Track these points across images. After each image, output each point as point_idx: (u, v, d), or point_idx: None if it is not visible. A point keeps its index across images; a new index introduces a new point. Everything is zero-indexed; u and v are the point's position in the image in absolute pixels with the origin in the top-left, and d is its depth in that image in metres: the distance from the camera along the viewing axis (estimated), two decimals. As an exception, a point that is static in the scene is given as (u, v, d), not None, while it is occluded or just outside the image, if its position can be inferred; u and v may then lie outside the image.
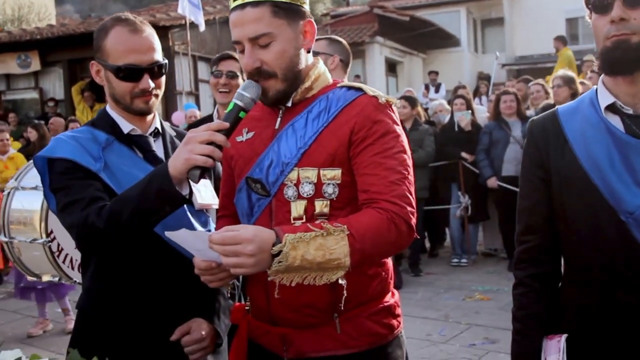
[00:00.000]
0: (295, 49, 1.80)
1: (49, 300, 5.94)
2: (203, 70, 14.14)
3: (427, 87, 16.09)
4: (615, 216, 1.61)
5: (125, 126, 2.08)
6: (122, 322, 2.00)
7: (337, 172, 1.76)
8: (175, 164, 1.72)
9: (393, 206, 1.69)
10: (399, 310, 1.93)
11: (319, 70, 1.89)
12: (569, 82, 6.66)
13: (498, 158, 7.33)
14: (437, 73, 16.53)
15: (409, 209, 1.71)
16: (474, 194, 7.70)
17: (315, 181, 1.75)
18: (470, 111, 7.69)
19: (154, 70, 2.02)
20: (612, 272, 1.64)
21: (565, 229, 1.74)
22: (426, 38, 20.50)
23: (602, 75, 1.71)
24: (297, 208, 1.76)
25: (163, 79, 2.07)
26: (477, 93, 14.17)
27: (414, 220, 1.72)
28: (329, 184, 1.75)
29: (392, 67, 20.60)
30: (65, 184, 1.92)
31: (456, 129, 7.66)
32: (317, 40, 3.60)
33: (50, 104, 13.12)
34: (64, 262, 3.84)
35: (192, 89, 13.72)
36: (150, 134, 2.12)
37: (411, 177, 1.77)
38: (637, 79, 1.62)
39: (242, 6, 1.75)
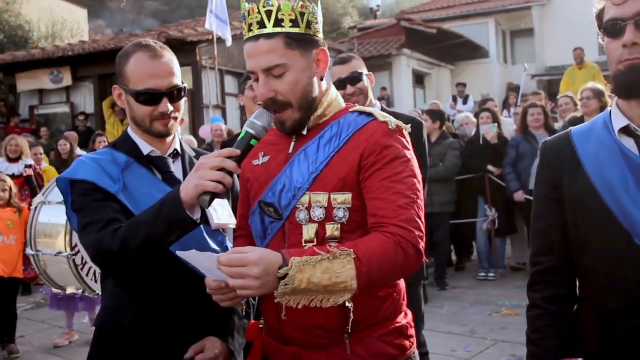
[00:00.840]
0: (308, 78, 1.83)
1: (79, 310, 6.03)
2: (230, 84, 14.29)
3: (454, 99, 15.99)
4: (629, 240, 1.58)
5: (145, 148, 2.14)
6: (138, 340, 2.04)
7: (347, 197, 1.78)
8: (186, 190, 1.76)
9: (401, 230, 1.69)
10: (411, 331, 1.92)
11: (332, 96, 1.92)
12: (598, 94, 6.56)
13: (525, 171, 7.25)
14: (465, 85, 16.44)
15: (417, 233, 1.71)
16: (501, 207, 7.61)
17: (326, 205, 1.77)
18: (496, 124, 7.63)
19: (173, 94, 2.07)
20: (627, 297, 1.61)
21: (579, 252, 1.72)
22: (454, 50, 20.44)
23: (616, 98, 1.69)
24: (309, 231, 1.78)
25: (182, 102, 2.13)
26: (506, 105, 14.04)
27: (422, 245, 1.73)
28: (339, 208, 1.77)
29: (419, 79, 20.57)
30: (85, 205, 1.98)
31: (482, 142, 7.60)
32: (351, 61, 3.67)
33: (81, 117, 13.39)
34: (87, 275, 3.93)
35: (219, 102, 13.86)
36: (170, 155, 2.17)
37: (421, 202, 1.78)
38: None
39: (256, 38, 1.79)
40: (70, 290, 4.07)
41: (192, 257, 1.71)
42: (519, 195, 7.28)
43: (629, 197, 1.59)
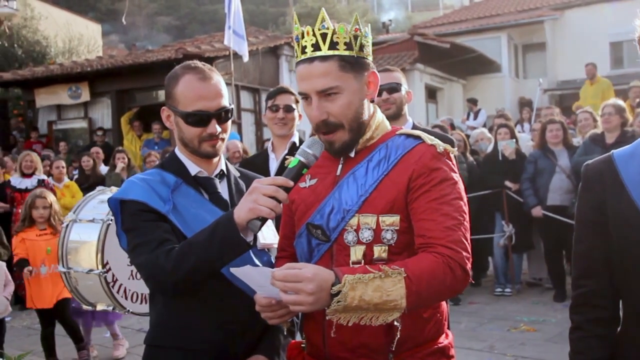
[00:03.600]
0: (360, 100, 1.88)
1: (96, 325, 6.11)
2: (245, 99, 14.42)
3: (468, 115, 15.93)
4: None
5: (193, 168, 2.17)
6: (186, 358, 2.07)
7: (395, 219, 1.82)
8: (239, 213, 1.80)
9: (449, 251, 1.73)
10: (452, 352, 1.96)
11: (379, 119, 1.96)
12: (620, 111, 6.61)
13: (543, 187, 7.28)
14: (475, 101, 16.32)
15: (464, 254, 1.75)
16: (518, 223, 7.63)
17: (375, 227, 1.81)
18: (514, 140, 7.65)
19: (221, 116, 2.11)
20: None
21: (623, 274, 1.72)
22: (467, 64, 20.43)
23: None
24: (356, 253, 1.82)
25: (229, 123, 2.17)
26: (519, 119, 14.02)
27: (469, 265, 1.76)
28: (387, 229, 1.81)
29: (432, 94, 20.57)
30: (136, 225, 2.02)
31: (500, 157, 7.64)
32: (394, 72, 3.74)
33: (99, 133, 13.52)
34: (117, 292, 3.97)
35: (235, 117, 13.97)
36: (216, 176, 2.21)
37: (467, 223, 1.82)
38: None
39: (311, 60, 1.83)
40: (100, 307, 4.11)
41: (245, 272, 1.75)
42: (537, 211, 7.29)
43: None
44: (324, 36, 1.82)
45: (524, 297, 7.65)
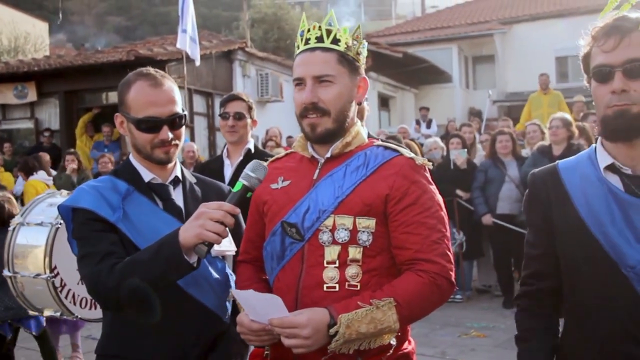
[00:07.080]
0: (349, 97, 1.98)
1: (62, 332, 5.88)
2: (198, 103, 14.26)
3: (418, 123, 16.19)
4: (616, 269, 1.67)
5: (146, 175, 2.15)
6: None
7: (371, 222, 1.89)
8: (185, 235, 1.79)
9: (434, 266, 1.84)
10: (415, 358, 2.03)
11: (358, 128, 2.04)
12: (567, 124, 6.84)
13: (493, 196, 7.47)
14: (427, 109, 16.63)
15: (449, 265, 1.87)
16: (468, 231, 7.78)
17: (351, 228, 1.88)
18: (466, 150, 7.83)
19: (174, 122, 2.11)
20: (614, 325, 1.69)
21: (570, 281, 1.80)
22: (418, 74, 20.78)
23: (600, 137, 1.78)
24: (331, 253, 1.88)
25: (183, 129, 2.17)
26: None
27: (453, 275, 1.88)
28: (363, 231, 1.88)
29: (384, 102, 20.83)
30: (84, 234, 2.00)
31: (452, 166, 7.78)
32: None
33: (46, 134, 13.14)
34: (66, 297, 3.86)
35: (187, 121, 13.75)
36: (171, 182, 2.19)
37: (448, 234, 1.92)
38: (636, 144, 1.71)
39: (313, 49, 1.94)
40: (47, 313, 3.98)
41: (246, 297, 1.82)
42: (487, 219, 7.47)
43: (616, 229, 1.68)
44: (328, 32, 1.95)
45: (474, 303, 7.80)
